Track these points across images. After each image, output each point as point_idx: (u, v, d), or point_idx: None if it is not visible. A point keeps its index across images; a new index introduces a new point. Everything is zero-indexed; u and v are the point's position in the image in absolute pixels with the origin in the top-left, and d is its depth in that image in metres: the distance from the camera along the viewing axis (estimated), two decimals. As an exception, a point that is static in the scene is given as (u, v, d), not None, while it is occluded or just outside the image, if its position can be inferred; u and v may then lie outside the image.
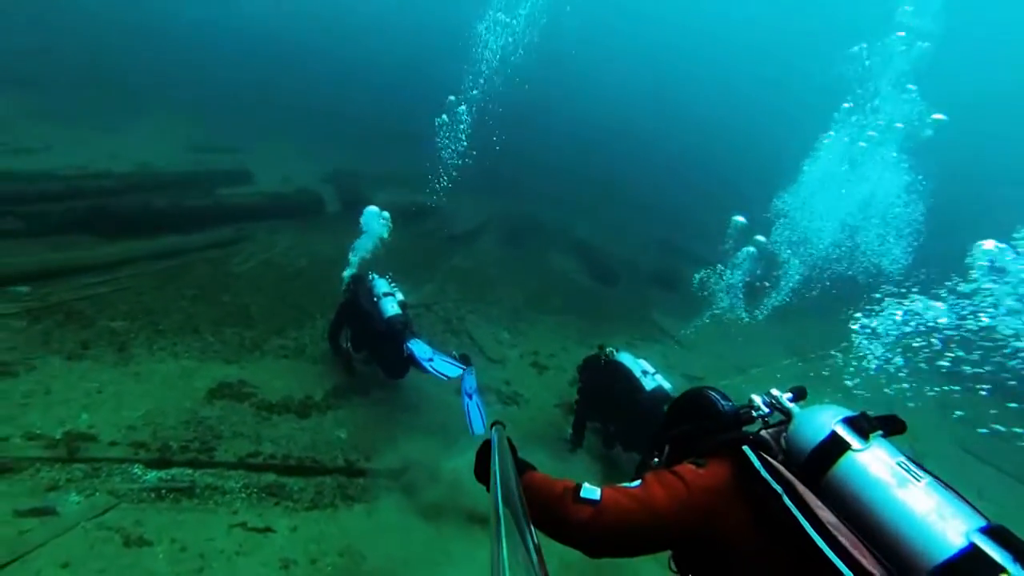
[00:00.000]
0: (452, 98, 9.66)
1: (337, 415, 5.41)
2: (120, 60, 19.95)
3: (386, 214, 6.77)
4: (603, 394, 5.42)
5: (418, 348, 5.40)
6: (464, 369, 5.36)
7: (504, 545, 0.86)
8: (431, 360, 5.32)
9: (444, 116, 9.55)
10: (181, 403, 4.95)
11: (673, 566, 1.63)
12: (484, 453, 1.65)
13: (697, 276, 9.18)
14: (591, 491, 1.46)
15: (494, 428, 1.72)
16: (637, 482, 1.51)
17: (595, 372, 5.60)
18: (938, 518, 1.15)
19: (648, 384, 5.09)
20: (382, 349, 5.71)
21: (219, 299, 6.84)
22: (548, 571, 0.91)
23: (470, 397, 5.33)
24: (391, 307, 5.66)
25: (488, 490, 1.31)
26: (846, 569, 1.14)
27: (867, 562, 1.16)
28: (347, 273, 6.43)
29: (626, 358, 5.45)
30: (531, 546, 0.97)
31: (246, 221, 9.40)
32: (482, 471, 1.65)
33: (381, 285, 5.89)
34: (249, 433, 4.81)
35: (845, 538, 1.19)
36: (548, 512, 1.46)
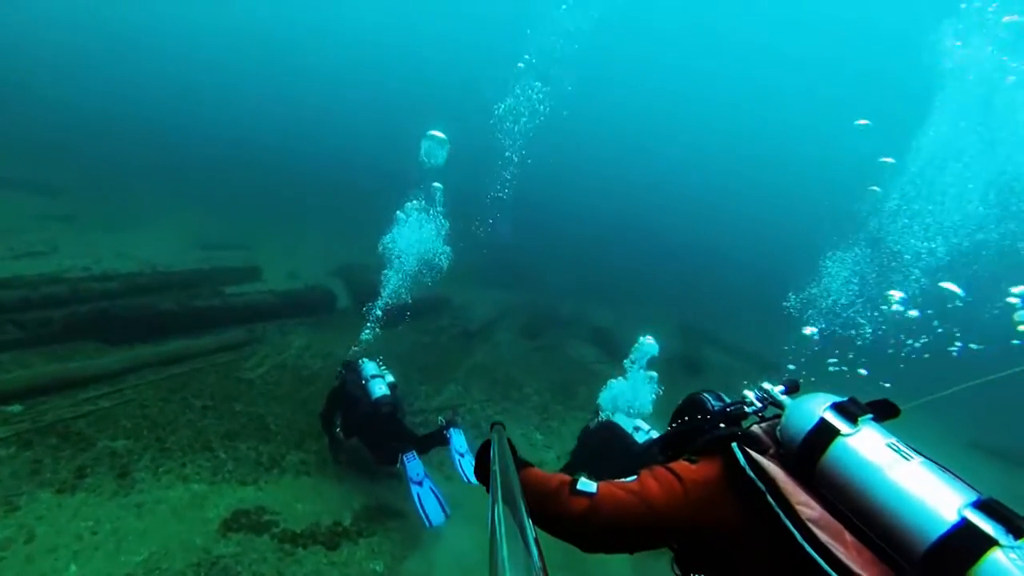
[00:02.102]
0: (522, 64, 9.29)
1: (371, 543, 4.68)
2: (123, 159, 20.45)
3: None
4: (597, 453, 5.23)
5: (412, 466, 5.13)
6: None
7: (504, 544, 0.86)
8: (420, 484, 5.01)
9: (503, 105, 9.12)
10: (190, 540, 4.24)
11: (676, 569, 1.57)
12: (484, 453, 1.63)
13: (792, 299, 7.43)
14: (587, 484, 1.45)
15: (494, 429, 1.71)
16: (632, 477, 1.51)
17: (591, 434, 5.44)
18: (930, 495, 1.14)
19: (641, 438, 4.96)
20: (370, 432, 5.45)
21: (231, 409, 6.23)
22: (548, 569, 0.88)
23: (420, 484, 5.00)
24: (379, 388, 5.47)
25: (488, 490, 1.29)
26: (826, 566, 1.14)
27: (849, 554, 1.15)
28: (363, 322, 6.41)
29: (620, 419, 5.28)
30: (532, 542, 0.95)
31: (257, 321, 8.97)
32: (482, 471, 1.64)
33: (370, 368, 5.74)
34: (271, 575, 4.08)
35: (828, 533, 1.19)
36: (544, 505, 1.44)
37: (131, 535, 4.16)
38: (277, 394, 6.79)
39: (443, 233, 7.01)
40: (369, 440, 5.49)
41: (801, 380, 1.72)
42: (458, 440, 5.37)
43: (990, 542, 1.03)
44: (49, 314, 7.36)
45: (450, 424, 5.52)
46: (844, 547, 1.17)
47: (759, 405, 1.68)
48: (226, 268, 11.29)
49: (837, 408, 1.36)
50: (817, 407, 1.38)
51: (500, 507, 1.06)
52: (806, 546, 1.18)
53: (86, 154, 20.21)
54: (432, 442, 5.51)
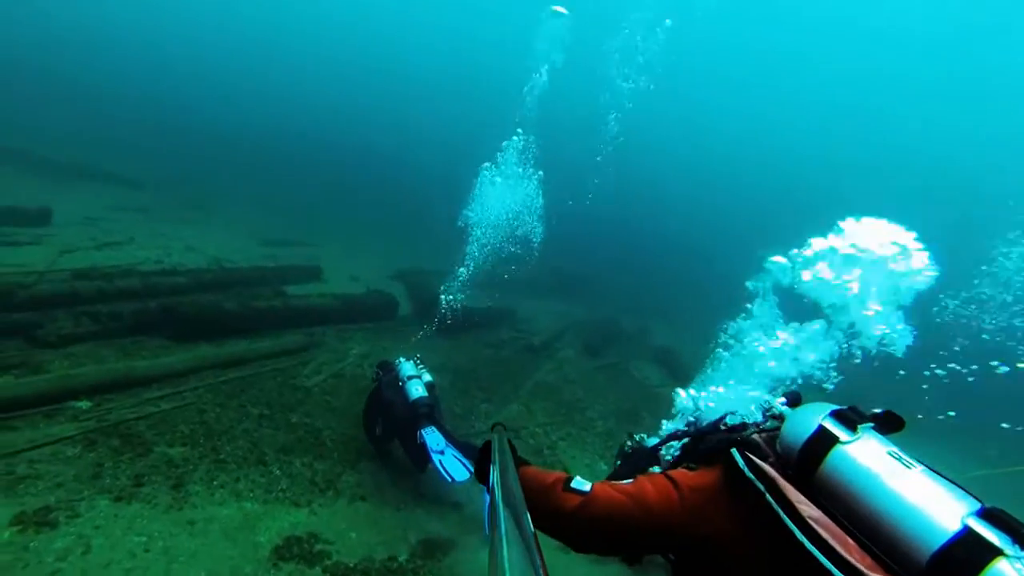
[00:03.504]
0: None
1: (426, 586, 4.30)
2: (200, 153, 21.28)
3: None
4: (627, 477, 4.57)
5: (431, 438, 5.08)
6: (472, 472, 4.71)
7: (505, 545, 0.86)
8: (442, 453, 4.97)
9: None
10: (241, 567, 3.99)
11: None
12: (485, 454, 1.65)
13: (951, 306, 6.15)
14: (581, 483, 1.47)
15: (494, 430, 1.72)
16: (629, 480, 1.50)
17: (626, 460, 4.82)
18: (932, 504, 1.09)
19: None
20: (409, 435, 5.31)
21: (287, 420, 6.03)
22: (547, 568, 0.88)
23: (442, 453, 4.96)
24: (416, 390, 5.41)
25: (488, 491, 1.33)
26: (827, 562, 1.08)
27: (851, 555, 1.10)
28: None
29: (654, 442, 4.65)
30: (532, 542, 0.95)
31: (316, 325, 8.87)
32: (482, 472, 1.65)
33: (407, 368, 5.68)
34: (322, 616, 3.76)
35: (828, 532, 1.14)
36: (537, 501, 1.42)
37: (182, 556, 3.95)
38: (334, 406, 6.57)
39: (538, 190, 6.27)
40: (408, 443, 5.36)
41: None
42: (433, 439, 5.16)
43: (994, 552, 0.98)
44: (120, 307, 7.48)
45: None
46: (847, 549, 1.11)
47: (759, 417, 1.68)
48: (288, 267, 11.36)
49: (836, 416, 1.33)
50: (817, 415, 1.36)
51: (501, 508, 1.05)
52: (807, 543, 1.12)
53: (165, 148, 21.20)
54: (465, 452, 5.23)
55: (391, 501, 5.17)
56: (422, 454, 5.15)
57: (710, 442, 1.62)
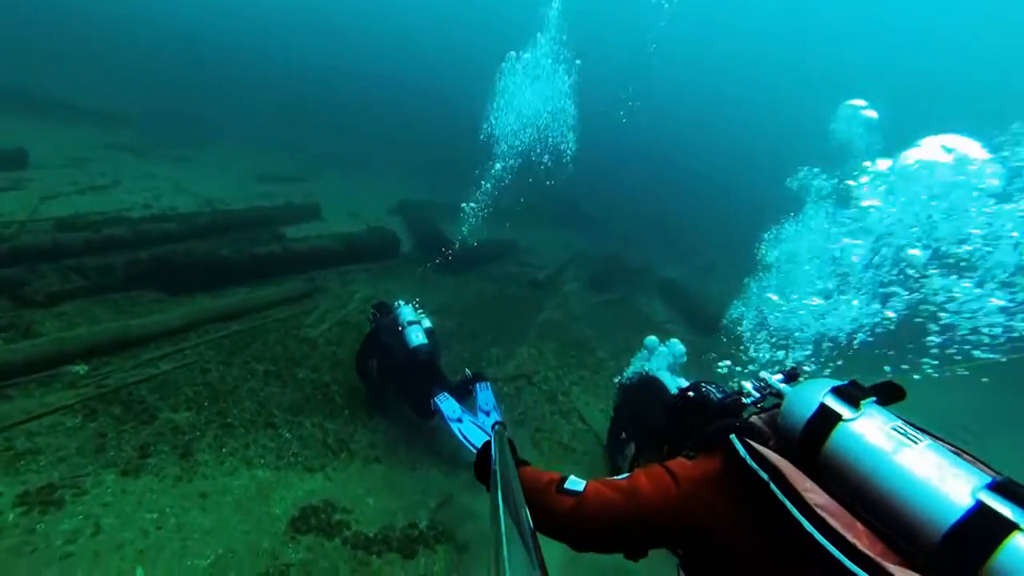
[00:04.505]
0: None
1: (448, 551, 4.24)
2: (187, 89, 20.01)
3: None
4: (638, 410, 4.87)
5: (446, 405, 4.99)
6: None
7: (504, 544, 0.86)
8: (459, 421, 4.90)
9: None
10: (258, 541, 3.89)
11: (681, 575, 1.47)
12: (485, 453, 1.64)
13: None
14: (575, 483, 1.44)
15: (495, 429, 1.69)
16: (625, 475, 1.47)
17: (632, 391, 5.01)
18: (941, 479, 1.05)
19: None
20: (407, 383, 5.26)
21: (294, 375, 5.84)
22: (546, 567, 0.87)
23: (460, 421, 4.89)
24: (416, 336, 5.27)
25: (488, 489, 1.30)
26: (837, 552, 1.04)
27: (862, 542, 1.06)
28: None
29: (664, 376, 4.86)
30: (530, 541, 0.95)
31: (318, 268, 8.52)
32: (482, 471, 1.63)
33: (406, 313, 5.51)
34: (344, 589, 3.70)
35: (838, 519, 1.09)
36: (532, 502, 1.39)
37: (196, 533, 3.84)
38: (340, 357, 6.35)
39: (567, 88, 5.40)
40: (405, 391, 5.30)
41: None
42: (484, 396, 5.23)
43: (1010, 526, 0.94)
44: (110, 260, 7.11)
45: (477, 379, 5.39)
46: (856, 535, 1.06)
47: (757, 395, 1.63)
48: (285, 207, 10.84)
49: (838, 392, 1.28)
50: (817, 393, 1.31)
51: (502, 506, 1.06)
52: (816, 534, 1.07)
53: (145, 75, 19.89)
54: (463, 392, 5.27)
55: (406, 461, 5.06)
56: (423, 402, 5.09)
57: (707, 428, 1.53)
